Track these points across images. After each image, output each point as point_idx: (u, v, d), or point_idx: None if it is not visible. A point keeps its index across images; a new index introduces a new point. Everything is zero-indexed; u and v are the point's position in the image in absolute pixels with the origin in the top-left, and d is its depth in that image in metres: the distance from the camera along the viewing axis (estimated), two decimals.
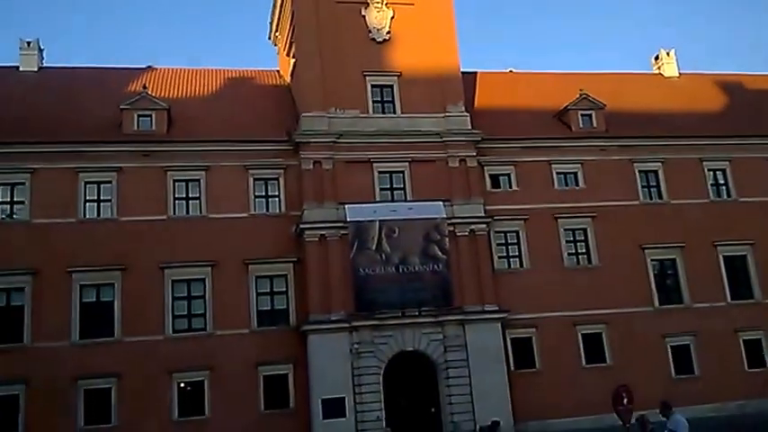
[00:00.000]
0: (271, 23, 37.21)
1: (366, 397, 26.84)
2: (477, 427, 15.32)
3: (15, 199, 27.45)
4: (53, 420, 25.19)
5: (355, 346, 27.20)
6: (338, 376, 26.81)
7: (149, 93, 30.07)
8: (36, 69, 32.81)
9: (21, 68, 32.65)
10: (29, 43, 32.94)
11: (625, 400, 21.92)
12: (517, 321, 29.19)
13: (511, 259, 30.64)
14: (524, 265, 30.61)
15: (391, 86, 31.07)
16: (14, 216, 27.41)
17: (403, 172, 30.00)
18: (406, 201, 29.53)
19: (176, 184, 28.69)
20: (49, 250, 26.67)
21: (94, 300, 27.05)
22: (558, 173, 31.94)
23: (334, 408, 26.47)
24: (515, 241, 30.75)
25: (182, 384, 26.73)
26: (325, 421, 26.30)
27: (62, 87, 31.48)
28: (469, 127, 30.84)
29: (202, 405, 26.58)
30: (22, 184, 27.47)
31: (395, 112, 30.78)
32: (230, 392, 26.74)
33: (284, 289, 28.56)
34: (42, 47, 33.44)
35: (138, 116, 29.19)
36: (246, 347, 27.34)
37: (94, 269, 26.92)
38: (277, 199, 29.49)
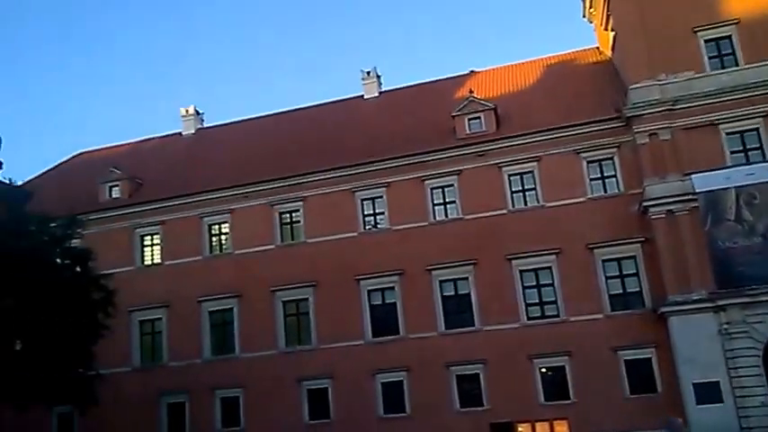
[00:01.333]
0: (584, 1, 36.33)
1: (745, 381, 24.53)
2: None
3: (377, 211, 31.47)
4: (429, 400, 28.27)
5: (724, 326, 25.09)
6: (708, 359, 24.97)
7: (476, 96, 31.80)
8: (377, 95, 37.36)
9: (365, 96, 37.49)
10: (368, 72, 37.60)
11: None
12: None
13: None
14: None
15: (729, 37, 27.95)
16: (378, 226, 31.44)
17: (757, 129, 26.74)
18: (765, 161, 26.24)
19: (511, 178, 29.81)
20: (408, 251, 29.80)
21: (453, 293, 29.55)
22: None
23: (707, 392, 24.73)
24: None
25: (542, 369, 27.66)
26: (700, 407, 24.71)
27: (399, 106, 35.22)
28: None
29: (566, 389, 27.15)
30: (380, 197, 31.33)
31: (737, 65, 27.58)
32: (591, 377, 26.80)
33: (634, 271, 27.66)
34: (380, 74, 37.91)
35: (469, 120, 31.07)
36: (602, 332, 27.14)
37: (449, 265, 29.36)
38: (614, 179, 28.74)
